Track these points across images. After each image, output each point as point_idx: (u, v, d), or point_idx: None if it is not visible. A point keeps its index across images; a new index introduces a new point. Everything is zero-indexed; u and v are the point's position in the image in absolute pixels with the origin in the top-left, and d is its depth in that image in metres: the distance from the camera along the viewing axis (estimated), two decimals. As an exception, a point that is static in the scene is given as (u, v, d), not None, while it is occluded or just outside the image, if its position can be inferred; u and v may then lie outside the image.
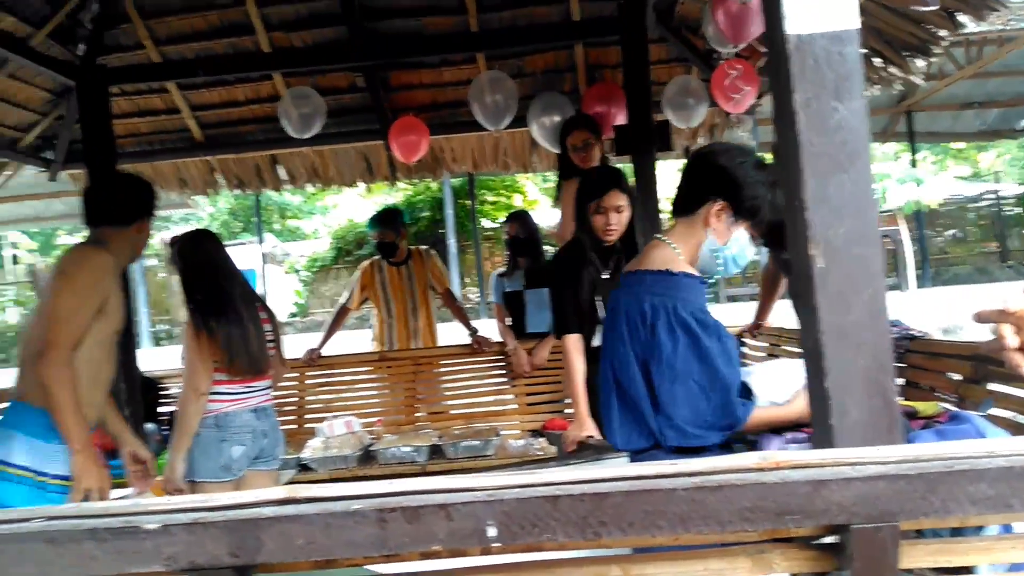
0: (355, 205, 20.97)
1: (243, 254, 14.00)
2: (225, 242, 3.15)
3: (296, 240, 22.31)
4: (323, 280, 19.16)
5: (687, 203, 1.94)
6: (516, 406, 4.57)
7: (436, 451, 4.19)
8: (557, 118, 4.48)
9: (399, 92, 4.80)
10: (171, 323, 17.35)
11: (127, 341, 4.27)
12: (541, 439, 4.17)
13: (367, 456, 4.02)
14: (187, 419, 2.77)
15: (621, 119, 4.26)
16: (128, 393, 4.22)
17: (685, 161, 2.02)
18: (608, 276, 3.02)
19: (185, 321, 2.90)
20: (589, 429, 2.75)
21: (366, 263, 4.56)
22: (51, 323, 2.16)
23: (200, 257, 2.89)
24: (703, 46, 4.51)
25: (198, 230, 3.08)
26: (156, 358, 7.99)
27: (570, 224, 3.99)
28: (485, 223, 16.70)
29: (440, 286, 4.60)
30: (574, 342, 2.90)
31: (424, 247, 4.66)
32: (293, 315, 18.15)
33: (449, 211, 13.08)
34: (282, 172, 5.24)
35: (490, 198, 17.66)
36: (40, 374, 2.13)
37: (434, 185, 16.80)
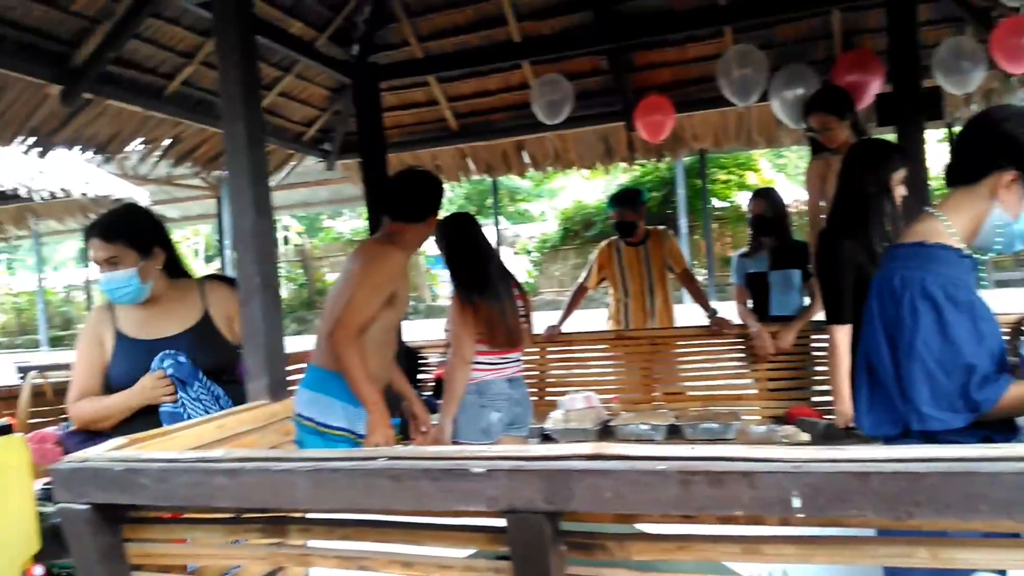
0: (581, 188, 21.30)
1: (481, 235, 14.83)
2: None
3: (525, 222, 23.11)
4: (552, 260, 19.69)
5: (968, 172, 1.76)
6: (756, 391, 4.44)
7: (674, 431, 4.20)
8: (800, 91, 4.25)
9: (642, 72, 4.81)
10: (416, 299, 18.76)
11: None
12: (785, 427, 4.03)
13: (605, 431, 4.11)
14: (455, 385, 3.03)
15: (876, 88, 3.95)
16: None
17: (958, 128, 1.83)
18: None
19: (452, 296, 3.17)
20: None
21: (604, 243, 4.64)
22: (345, 307, 2.48)
23: (464, 238, 3.14)
24: (978, 3, 4.07)
25: (461, 214, 3.34)
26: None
27: (817, 204, 3.78)
28: (716, 203, 16.19)
29: (678, 266, 4.57)
30: (846, 332, 2.75)
31: (662, 227, 4.65)
32: (524, 294, 18.84)
33: (680, 191, 12.81)
34: (526, 157, 5.48)
35: (722, 176, 17.10)
36: (333, 349, 2.46)
37: (662, 164, 16.62)
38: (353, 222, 24.46)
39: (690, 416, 4.29)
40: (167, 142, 4.45)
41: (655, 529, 1.05)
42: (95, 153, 4.09)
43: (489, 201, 18.93)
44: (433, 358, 4.88)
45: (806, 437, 3.96)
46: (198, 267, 24.28)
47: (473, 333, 3.03)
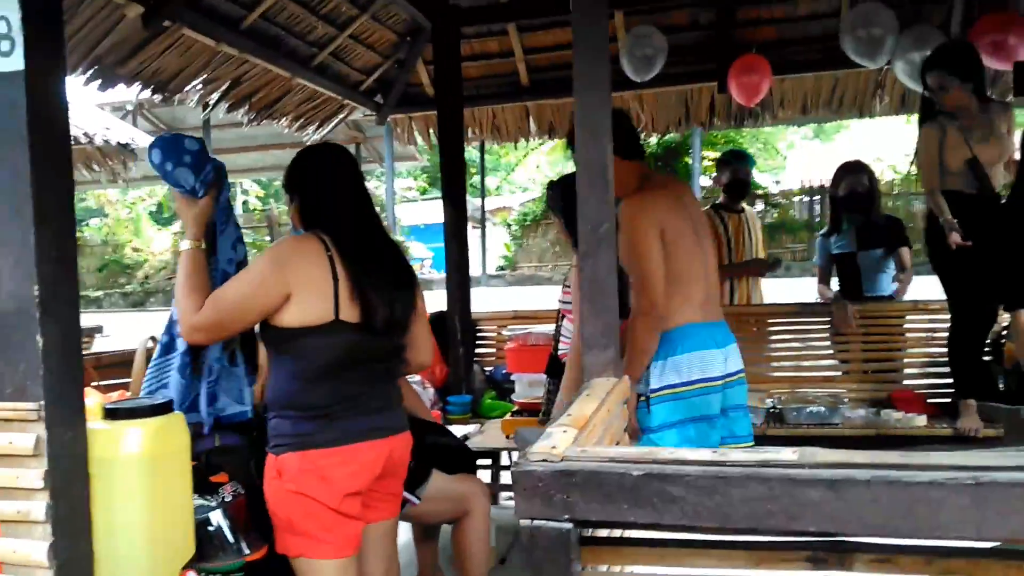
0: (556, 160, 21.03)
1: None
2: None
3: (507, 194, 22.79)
4: (531, 234, 19.42)
5: None
6: (848, 373, 4.24)
7: (773, 415, 3.98)
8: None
9: (744, 28, 4.50)
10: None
11: (463, 280, 4.37)
12: (890, 411, 3.84)
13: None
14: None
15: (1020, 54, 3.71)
16: (462, 332, 4.33)
17: None
18: None
19: (573, 264, 2.86)
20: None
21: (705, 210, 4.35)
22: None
23: None
24: None
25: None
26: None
27: (933, 174, 3.54)
28: (703, 181, 16.07)
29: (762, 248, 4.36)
30: None
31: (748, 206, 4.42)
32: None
33: (696, 164, 12.61)
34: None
35: (710, 154, 16.98)
36: None
37: (668, 137, 16.36)
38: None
39: (789, 399, 4.08)
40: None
41: None
42: (153, 92, 3.62)
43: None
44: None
45: (921, 421, 3.78)
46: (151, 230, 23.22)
47: None
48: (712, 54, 4.50)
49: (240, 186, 26.25)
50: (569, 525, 0.82)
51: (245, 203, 26.56)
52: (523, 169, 24.18)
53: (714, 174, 4.70)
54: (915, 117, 4.64)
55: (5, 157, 1.48)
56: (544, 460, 0.83)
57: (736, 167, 4.11)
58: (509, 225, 19.84)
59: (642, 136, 7.02)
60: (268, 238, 20.74)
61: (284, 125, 4.72)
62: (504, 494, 3.97)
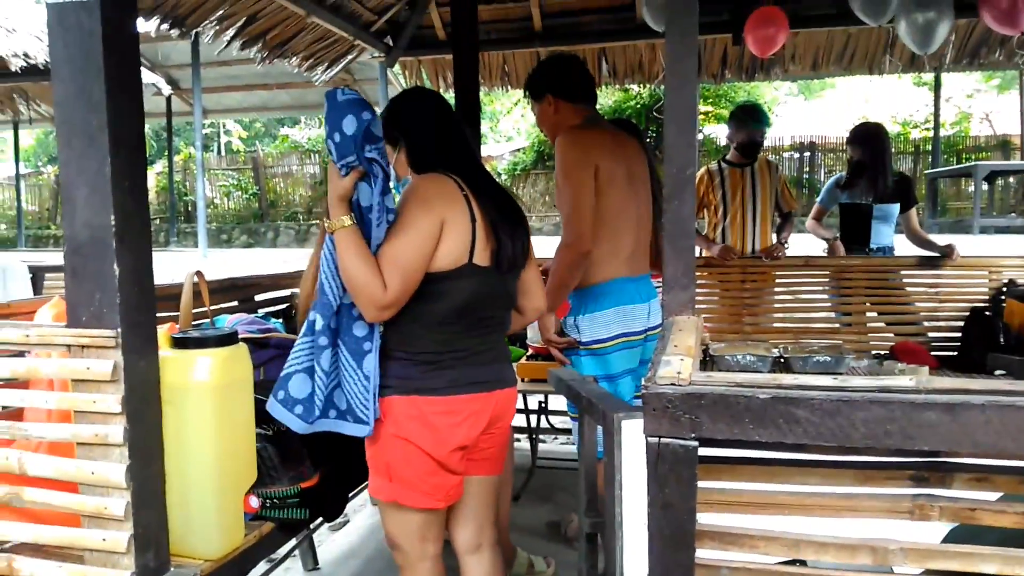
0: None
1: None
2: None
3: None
4: (521, 183, 19.30)
5: None
6: (848, 325, 4.35)
7: (779, 364, 4.08)
8: (932, 15, 4.04)
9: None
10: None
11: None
12: (892, 362, 3.96)
13: (706, 360, 3.97)
14: None
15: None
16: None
17: None
18: None
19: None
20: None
21: (702, 171, 4.39)
22: None
23: None
24: None
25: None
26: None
27: None
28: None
29: (789, 205, 4.40)
30: None
31: (773, 159, 4.45)
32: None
33: (695, 119, 12.51)
34: (604, 67, 5.11)
35: (702, 108, 16.90)
36: None
37: (645, 92, 16.23)
38: (311, 131, 23.27)
39: (796, 349, 4.18)
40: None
41: None
42: (171, 26, 3.56)
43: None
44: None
45: (924, 372, 3.90)
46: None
47: None
48: (727, 4, 4.48)
49: (223, 127, 25.84)
50: (695, 443, 0.88)
51: (228, 144, 26.16)
52: (509, 119, 23.94)
53: (722, 128, 4.71)
54: (924, 76, 4.67)
55: (82, 87, 1.48)
56: (672, 384, 0.88)
57: (753, 130, 4.11)
58: (499, 174, 19.71)
59: (652, 87, 6.99)
60: (254, 179, 20.48)
61: (294, 64, 4.66)
62: (516, 436, 4.07)
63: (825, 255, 4.46)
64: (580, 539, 1.65)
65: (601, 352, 2.51)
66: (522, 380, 3.35)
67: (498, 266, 1.77)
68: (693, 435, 0.87)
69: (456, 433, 1.75)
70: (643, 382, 0.89)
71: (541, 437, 4.23)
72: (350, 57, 4.99)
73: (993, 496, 0.94)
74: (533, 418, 4.02)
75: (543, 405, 4.00)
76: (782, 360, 4.09)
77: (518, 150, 20.68)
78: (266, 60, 4.33)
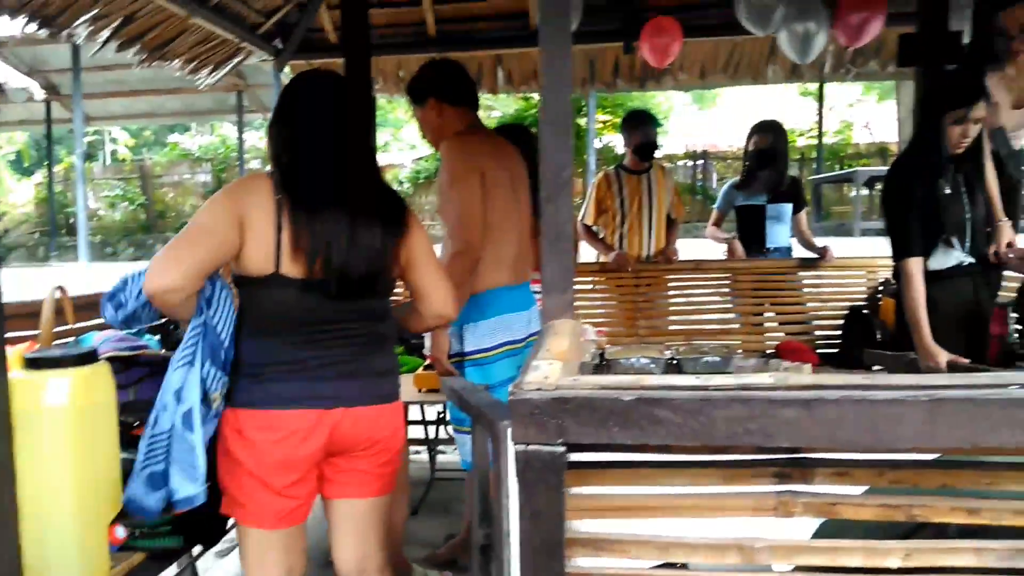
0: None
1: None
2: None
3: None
4: (425, 192, 19.20)
5: None
6: (739, 326, 4.50)
7: (671, 365, 4.18)
8: (811, 25, 4.25)
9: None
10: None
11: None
12: (777, 360, 4.11)
13: (602, 364, 4.02)
14: None
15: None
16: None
17: None
18: (950, 192, 2.87)
19: None
20: (940, 355, 2.68)
21: (600, 175, 4.46)
22: None
23: None
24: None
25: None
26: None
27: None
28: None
29: (677, 212, 4.50)
30: (917, 265, 2.79)
31: (666, 165, 4.56)
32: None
33: (592, 127, 12.75)
34: (500, 74, 5.13)
35: (600, 117, 17.25)
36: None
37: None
38: (202, 138, 22.42)
39: (687, 350, 4.29)
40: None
41: None
42: (40, 26, 3.33)
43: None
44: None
45: (807, 370, 4.07)
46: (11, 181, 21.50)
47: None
48: (619, 13, 4.57)
49: (108, 134, 24.53)
50: (561, 449, 0.86)
51: (114, 153, 24.84)
52: (412, 127, 23.79)
53: (620, 136, 4.80)
54: (809, 86, 4.90)
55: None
56: (539, 389, 0.86)
57: (647, 129, 4.21)
58: (400, 183, 19.53)
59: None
60: (141, 189, 19.51)
61: (176, 68, 4.45)
62: (413, 448, 3.99)
63: (717, 259, 4.60)
64: (472, 551, 1.61)
65: (484, 362, 2.50)
66: (419, 391, 3.29)
67: (323, 282, 1.64)
68: (560, 440, 0.85)
69: (275, 451, 1.63)
70: (511, 388, 0.87)
71: (440, 448, 4.17)
72: (236, 60, 4.82)
73: (857, 490, 0.97)
74: (432, 429, 3.96)
75: (441, 416, 3.94)
76: (674, 361, 4.20)
77: (420, 158, 20.57)
78: (145, 63, 4.12)
